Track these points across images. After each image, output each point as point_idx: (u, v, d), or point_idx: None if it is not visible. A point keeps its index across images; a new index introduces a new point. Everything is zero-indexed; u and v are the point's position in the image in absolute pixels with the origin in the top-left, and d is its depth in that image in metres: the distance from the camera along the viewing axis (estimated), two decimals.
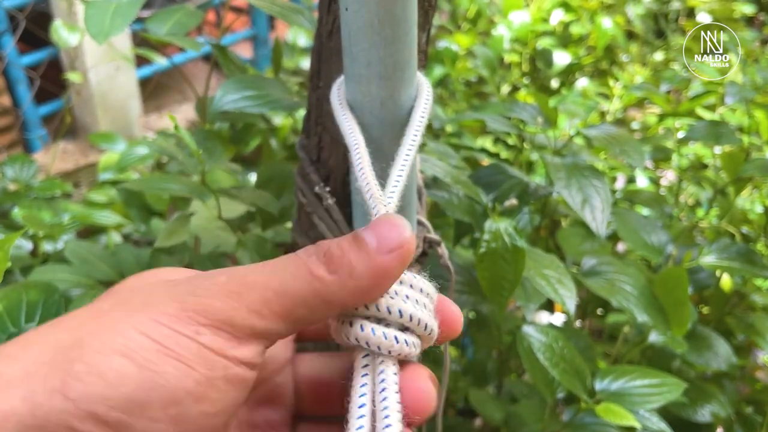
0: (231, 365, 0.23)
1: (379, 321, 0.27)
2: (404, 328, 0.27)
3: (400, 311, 0.26)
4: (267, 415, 0.30)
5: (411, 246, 0.25)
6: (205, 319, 0.23)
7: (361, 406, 0.25)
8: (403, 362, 0.28)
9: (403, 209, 0.41)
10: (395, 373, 0.26)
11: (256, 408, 0.30)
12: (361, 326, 0.26)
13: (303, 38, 1.30)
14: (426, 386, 0.27)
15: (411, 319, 0.27)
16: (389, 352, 0.26)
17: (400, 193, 0.31)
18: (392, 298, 0.27)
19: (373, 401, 0.25)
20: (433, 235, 0.48)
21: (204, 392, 0.23)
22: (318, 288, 0.24)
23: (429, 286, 0.28)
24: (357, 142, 0.34)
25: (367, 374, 0.26)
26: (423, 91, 0.39)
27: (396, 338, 0.26)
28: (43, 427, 0.21)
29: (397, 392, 0.25)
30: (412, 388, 0.26)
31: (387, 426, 0.24)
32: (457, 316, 0.29)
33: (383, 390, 0.25)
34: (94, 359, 0.22)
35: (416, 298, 0.27)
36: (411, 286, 0.28)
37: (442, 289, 0.67)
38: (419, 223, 0.48)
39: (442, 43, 1.32)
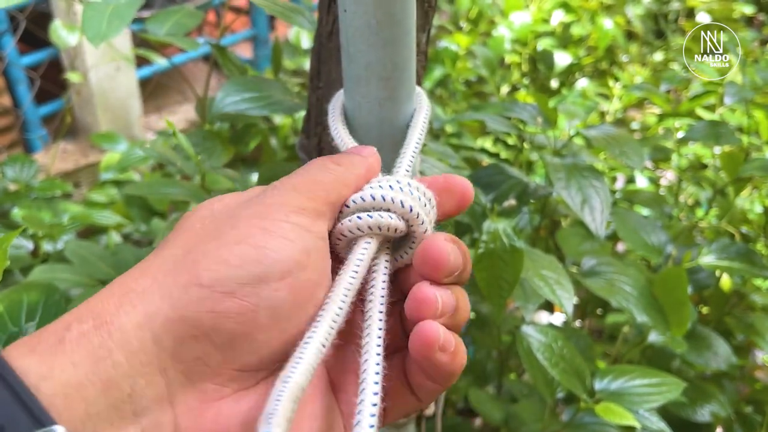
0: (316, 238, 0.28)
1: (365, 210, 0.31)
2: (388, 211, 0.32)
3: (383, 197, 0.31)
4: None
5: (377, 156, 0.34)
6: (286, 208, 0.28)
7: (353, 277, 0.30)
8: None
9: None
10: (387, 253, 0.32)
11: None
12: (349, 219, 0.31)
13: (306, 39, 1.30)
14: (441, 243, 0.30)
15: (386, 199, 0.31)
16: (372, 228, 0.31)
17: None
18: (373, 187, 0.32)
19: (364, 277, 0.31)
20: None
21: (306, 261, 0.27)
22: (335, 174, 0.31)
23: (415, 183, 0.33)
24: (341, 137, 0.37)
25: (362, 253, 0.31)
26: (423, 99, 0.39)
27: (380, 216, 0.31)
28: (184, 317, 0.25)
29: (387, 260, 0.32)
30: (427, 247, 0.30)
31: (372, 287, 0.31)
32: (464, 184, 0.34)
33: (375, 263, 0.32)
34: (216, 252, 0.26)
35: (398, 186, 0.32)
36: (397, 181, 0.32)
37: None
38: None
39: (442, 44, 1.32)
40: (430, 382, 0.30)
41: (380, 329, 0.29)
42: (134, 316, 0.24)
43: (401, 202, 0.31)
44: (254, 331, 0.26)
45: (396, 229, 0.31)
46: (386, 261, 0.32)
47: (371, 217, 0.31)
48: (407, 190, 0.32)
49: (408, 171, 0.35)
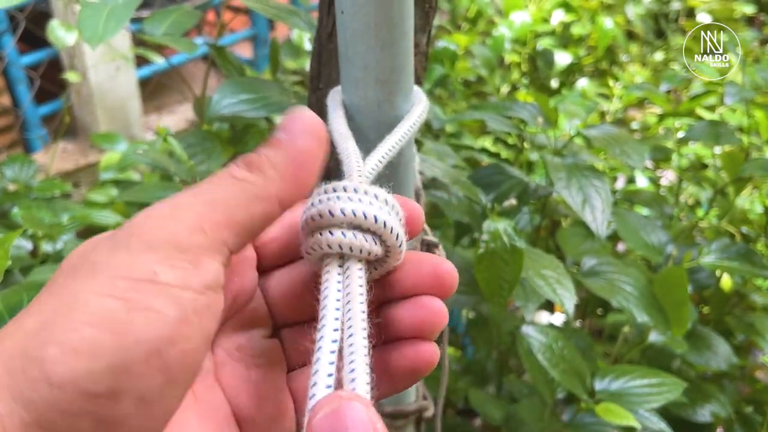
0: (197, 296, 0.23)
1: (338, 227, 0.27)
2: (365, 230, 0.27)
3: (353, 211, 0.27)
4: (249, 336, 0.30)
5: (319, 125, 0.26)
6: (155, 256, 0.22)
7: (328, 307, 0.26)
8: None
9: None
10: (360, 269, 0.27)
11: (236, 333, 0.30)
12: (320, 233, 0.27)
13: (308, 40, 1.30)
14: (447, 264, 0.28)
15: (365, 217, 0.27)
16: (350, 249, 0.27)
17: (377, 171, 0.31)
18: (347, 201, 0.27)
19: (340, 299, 0.26)
20: (431, 238, 0.48)
21: (179, 332, 0.22)
22: (245, 187, 0.25)
23: (391, 198, 0.28)
24: (343, 134, 0.34)
25: (329, 272, 0.27)
26: (421, 100, 0.39)
27: (354, 235, 0.27)
28: (39, 421, 0.21)
29: (361, 286, 0.26)
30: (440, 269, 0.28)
31: (349, 320, 0.25)
32: (416, 210, 0.30)
33: (348, 286, 0.26)
34: (65, 338, 0.21)
35: (370, 201, 0.27)
36: (375, 195, 0.28)
37: None
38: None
39: (441, 43, 1.32)
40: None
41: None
42: None
43: (375, 218, 0.27)
44: (119, 422, 0.22)
45: (371, 254, 0.27)
46: (359, 270, 0.27)
47: (344, 235, 0.27)
48: (377, 203, 0.28)
49: (373, 170, 0.31)
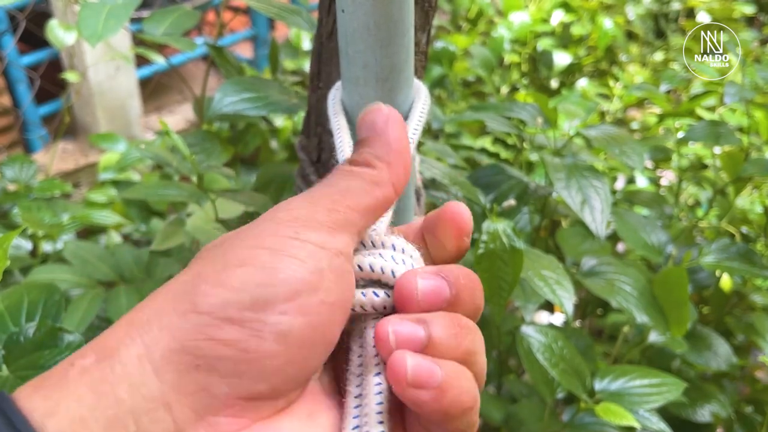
0: (333, 256, 0.26)
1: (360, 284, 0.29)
2: (382, 284, 0.29)
3: (371, 266, 0.28)
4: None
5: (396, 113, 0.30)
6: (297, 223, 0.26)
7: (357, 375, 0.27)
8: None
9: (401, 211, 0.42)
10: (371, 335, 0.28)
11: None
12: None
13: (307, 40, 1.30)
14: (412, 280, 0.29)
15: (383, 271, 0.28)
16: (368, 307, 0.28)
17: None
18: (366, 257, 0.29)
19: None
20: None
21: (318, 281, 0.25)
22: (364, 177, 0.28)
23: (409, 246, 0.30)
24: (341, 137, 0.36)
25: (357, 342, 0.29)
26: (421, 94, 0.39)
27: (363, 293, 0.28)
28: (184, 346, 0.23)
29: (373, 346, 0.28)
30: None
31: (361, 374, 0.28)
32: (455, 209, 0.31)
33: (361, 346, 0.28)
34: (215, 276, 0.24)
35: (392, 255, 0.29)
36: (393, 247, 0.30)
37: None
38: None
39: (440, 44, 1.32)
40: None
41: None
42: (134, 349, 0.23)
43: (392, 272, 0.28)
44: (261, 358, 0.24)
45: (385, 308, 0.28)
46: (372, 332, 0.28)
47: (364, 295, 0.28)
48: (407, 261, 0.29)
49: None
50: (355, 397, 0.27)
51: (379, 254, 0.29)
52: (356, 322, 0.29)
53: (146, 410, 0.23)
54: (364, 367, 0.27)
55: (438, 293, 0.27)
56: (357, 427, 0.26)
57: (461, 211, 0.31)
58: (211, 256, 0.26)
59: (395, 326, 0.26)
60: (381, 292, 0.28)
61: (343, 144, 0.35)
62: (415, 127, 0.37)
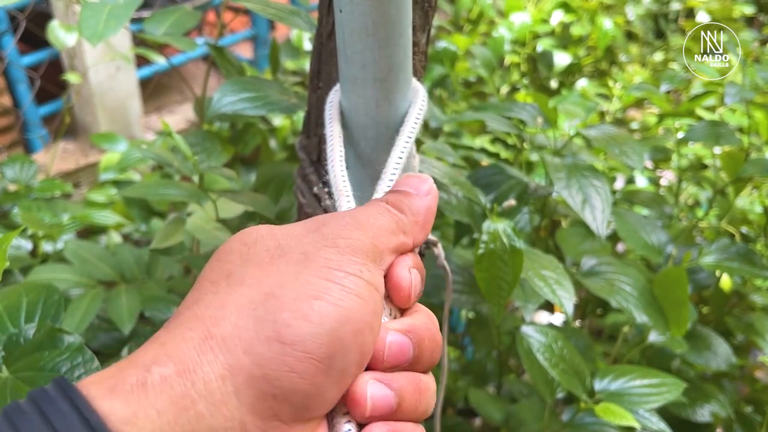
0: (378, 294, 0.28)
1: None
2: None
3: None
4: None
5: (435, 187, 0.33)
6: (359, 259, 0.28)
7: None
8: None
9: None
10: None
11: None
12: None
13: (308, 40, 1.30)
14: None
15: None
16: None
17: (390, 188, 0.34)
18: None
19: None
20: (430, 236, 0.48)
21: (372, 321, 0.27)
22: (397, 221, 0.31)
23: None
24: (333, 145, 0.37)
25: None
26: (419, 95, 0.39)
27: None
28: (267, 375, 0.24)
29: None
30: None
31: None
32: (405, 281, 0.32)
33: None
34: (296, 306, 0.25)
35: None
36: None
37: (440, 289, 0.66)
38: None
39: (441, 44, 1.32)
40: None
41: None
42: (218, 368, 0.24)
43: None
44: (325, 390, 0.26)
45: None
46: None
47: None
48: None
49: (394, 175, 0.35)
50: None
51: None
52: None
53: (225, 428, 0.24)
54: (335, 410, 0.28)
55: (403, 353, 0.29)
56: None
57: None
58: (276, 270, 0.27)
59: (372, 390, 0.27)
60: None
61: (334, 153, 0.36)
62: (411, 128, 0.37)
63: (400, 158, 0.35)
